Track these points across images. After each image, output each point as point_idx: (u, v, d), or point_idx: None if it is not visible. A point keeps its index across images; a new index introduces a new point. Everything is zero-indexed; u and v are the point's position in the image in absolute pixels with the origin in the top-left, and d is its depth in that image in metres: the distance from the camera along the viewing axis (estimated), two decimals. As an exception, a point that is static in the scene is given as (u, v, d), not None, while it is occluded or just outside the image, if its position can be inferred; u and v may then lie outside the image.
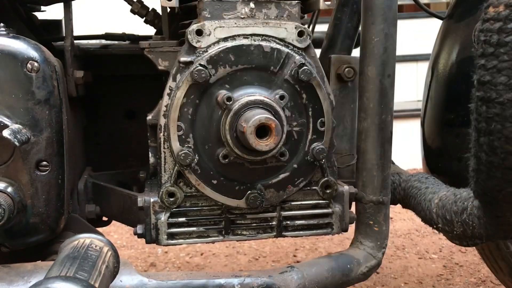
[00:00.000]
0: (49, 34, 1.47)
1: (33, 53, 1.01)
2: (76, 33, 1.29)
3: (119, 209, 1.25)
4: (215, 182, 1.08)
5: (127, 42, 1.48)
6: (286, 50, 1.07)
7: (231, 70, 1.05)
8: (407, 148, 2.81)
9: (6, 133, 0.94)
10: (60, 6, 1.23)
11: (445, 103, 1.42)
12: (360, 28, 1.19)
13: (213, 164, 1.07)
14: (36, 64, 1.01)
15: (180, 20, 1.18)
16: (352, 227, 1.24)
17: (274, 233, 1.16)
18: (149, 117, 1.11)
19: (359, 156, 1.20)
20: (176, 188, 1.09)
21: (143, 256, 2.53)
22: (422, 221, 1.22)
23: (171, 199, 1.09)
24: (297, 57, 1.07)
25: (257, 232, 1.16)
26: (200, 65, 1.03)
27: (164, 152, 1.08)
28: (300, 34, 1.08)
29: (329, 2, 1.13)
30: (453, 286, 2.14)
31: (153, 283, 1.04)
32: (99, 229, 1.24)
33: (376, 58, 1.14)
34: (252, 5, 1.07)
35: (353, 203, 1.23)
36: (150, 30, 1.44)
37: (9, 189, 1.00)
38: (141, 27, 1.53)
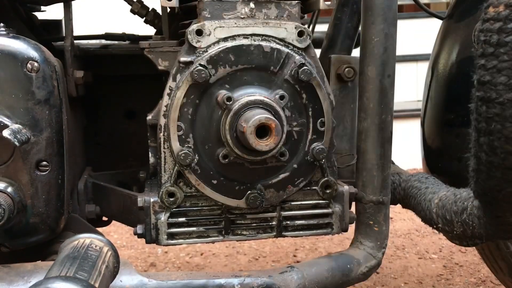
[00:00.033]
0: (49, 34, 1.47)
1: (33, 53, 1.01)
2: (76, 33, 1.29)
3: (119, 209, 1.25)
4: (215, 182, 1.08)
5: (127, 42, 1.48)
6: (286, 50, 1.07)
7: (231, 70, 1.05)
8: (407, 148, 2.81)
9: (6, 133, 0.94)
10: (60, 6, 1.23)
11: (445, 103, 1.42)
12: (360, 28, 1.19)
13: (213, 164, 1.07)
14: (36, 64, 1.01)
15: (180, 20, 1.18)
16: (352, 227, 1.24)
17: (274, 233, 1.16)
18: (149, 117, 1.11)
19: (359, 156, 1.20)
20: (176, 188, 1.09)
21: (143, 256, 2.53)
22: (422, 221, 1.22)
23: (171, 199, 1.09)
24: (297, 57, 1.07)
25: (257, 232, 1.16)
26: (200, 65, 1.03)
27: (164, 152, 1.08)
28: (300, 34, 1.08)
29: (329, 2, 1.13)
30: (453, 286, 2.14)
31: (153, 283, 1.04)
32: (99, 229, 1.24)
33: (376, 58, 1.14)
34: (252, 5, 1.07)
35: (353, 203, 1.23)
36: (150, 30, 1.44)
37: (9, 189, 1.01)
38: (141, 27, 1.53)
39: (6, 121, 0.99)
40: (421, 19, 4.31)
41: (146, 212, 1.10)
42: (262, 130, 0.99)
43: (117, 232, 2.84)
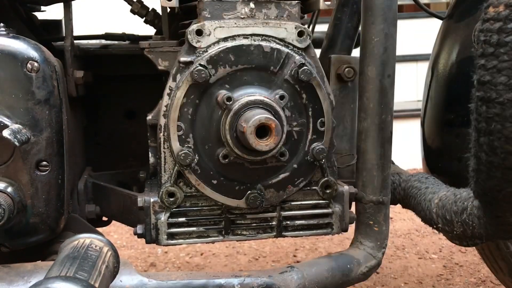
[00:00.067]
0: (49, 34, 1.47)
1: (33, 53, 1.01)
2: (76, 33, 1.29)
3: (119, 209, 1.25)
4: (215, 182, 1.08)
5: (127, 42, 1.48)
6: (286, 50, 1.07)
7: (231, 70, 1.05)
8: (407, 148, 2.81)
9: (6, 133, 0.94)
10: (60, 6, 1.23)
11: (445, 103, 1.42)
12: (360, 28, 1.19)
13: (213, 164, 1.07)
14: (36, 64, 1.01)
15: (180, 20, 1.18)
16: (352, 227, 1.24)
17: (274, 233, 1.16)
18: (149, 117, 1.11)
19: (359, 156, 1.20)
20: (176, 188, 1.09)
21: (143, 256, 2.53)
22: (422, 221, 1.22)
23: (171, 199, 1.09)
24: (297, 57, 1.07)
25: (257, 232, 1.16)
26: (200, 65, 1.03)
27: (164, 152, 1.08)
28: (300, 34, 1.08)
29: (329, 2, 1.13)
30: (453, 286, 2.14)
31: (153, 283, 1.04)
32: (99, 229, 1.24)
33: (376, 58, 1.14)
34: (252, 5, 1.07)
35: (353, 203, 1.23)
36: (150, 30, 1.44)
37: (9, 189, 1.00)
38: (141, 27, 1.53)
39: (6, 121, 0.99)
40: (421, 19, 4.30)
41: (146, 212, 1.10)
42: (262, 130, 0.99)
43: (117, 232, 2.84)
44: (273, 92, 1.06)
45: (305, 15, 1.22)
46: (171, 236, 1.11)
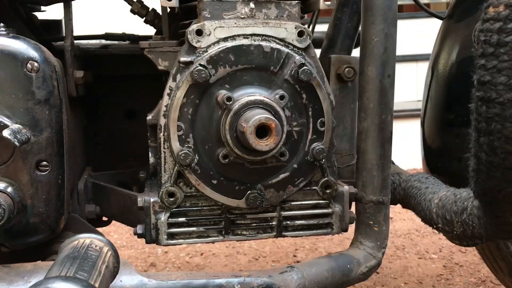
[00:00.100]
0: (49, 34, 1.47)
1: (33, 53, 1.01)
2: (76, 33, 1.29)
3: (119, 209, 1.25)
4: (215, 182, 1.08)
5: (127, 42, 1.48)
6: (286, 50, 1.07)
7: (231, 70, 1.05)
8: (407, 148, 2.81)
9: (6, 133, 0.94)
10: (60, 6, 1.23)
11: (445, 103, 1.42)
12: (360, 28, 1.19)
13: (213, 164, 1.07)
14: (36, 64, 1.01)
15: (180, 20, 1.18)
16: (352, 227, 1.24)
17: (274, 233, 1.16)
18: (149, 117, 1.11)
19: (359, 156, 1.20)
20: (176, 188, 1.09)
21: (143, 256, 2.53)
22: (422, 221, 1.22)
23: (171, 199, 1.09)
24: (297, 57, 1.07)
25: (257, 232, 1.16)
26: (200, 65, 1.03)
27: (164, 152, 1.08)
28: (300, 34, 1.08)
29: (329, 2, 1.13)
30: (453, 286, 2.14)
31: (153, 283, 1.04)
32: (99, 229, 1.24)
33: (376, 58, 1.14)
34: (252, 5, 1.07)
35: (353, 203, 1.23)
36: (150, 30, 1.44)
37: (9, 189, 1.00)
38: (141, 27, 1.53)
39: (6, 121, 0.99)
40: (421, 19, 4.31)
41: (146, 212, 1.10)
42: (262, 130, 0.99)
43: (117, 232, 2.84)
44: (273, 92, 1.06)
45: (305, 15, 1.22)
46: (171, 236, 1.11)
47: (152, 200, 1.10)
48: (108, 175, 1.39)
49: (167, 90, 1.06)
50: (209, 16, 1.06)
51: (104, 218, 1.38)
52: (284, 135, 1.02)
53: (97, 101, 1.47)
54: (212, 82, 1.04)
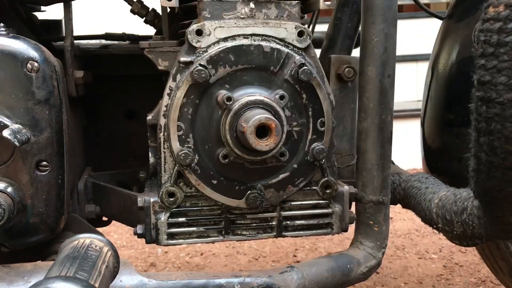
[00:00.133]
0: (49, 34, 1.47)
1: (33, 53, 1.01)
2: (76, 33, 1.29)
3: (119, 209, 1.25)
4: (215, 182, 1.08)
5: (127, 42, 1.48)
6: (286, 50, 1.07)
7: (231, 70, 1.05)
8: (407, 148, 2.81)
9: (6, 133, 0.94)
10: (60, 6, 1.23)
11: (445, 103, 1.42)
12: (360, 28, 1.19)
13: (213, 164, 1.07)
14: (36, 64, 1.01)
15: (180, 20, 1.18)
16: (352, 227, 1.24)
17: (274, 233, 1.16)
18: (149, 117, 1.11)
19: (359, 156, 1.20)
20: (176, 188, 1.09)
21: (143, 256, 2.53)
22: (422, 221, 1.22)
23: (171, 199, 1.09)
24: (297, 57, 1.07)
25: (257, 232, 1.16)
26: (200, 65, 1.03)
27: (164, 152, 1.08)
28: (300, 34, 1.08)
29: (329, 2, 1.13)
30: (453, 286, 2.14)
31: (153, 283, 1.04)
32: (99, 229, 1.24)
33: (376, 58, 1.14)
34: (252, 5, 1.07)
35: (353, 203, 1.23)
36: (150, 30, 1.44)
37: (9, 189, 1.00)
38: (141, 27, 1.53)
39: (6, 121, 0.99)
40: (421, 19, 4.31)
41: (146, 212, 1.10)
42: (262, 130, 0.99)
43: (117, 232, 2.84)
44: (273, 92, 1.06)
45: (305, 15, 1.22)
46: (171, 236, 1.11)
47: (152, 200, 1.10)
48: (108, 175, 1.39)
49: (167, 90, 1.06)
50: (209, 16, 1.06)
51: (104, 218, 1.38)
52: (284, 135, 1.02)
53: (97, 101, 1.47)
54: (212, 82, 1.04)
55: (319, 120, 1.10)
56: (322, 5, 1.13)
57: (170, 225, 1.10)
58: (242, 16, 1.07)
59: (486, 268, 1.90)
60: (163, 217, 1.10)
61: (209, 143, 1.06)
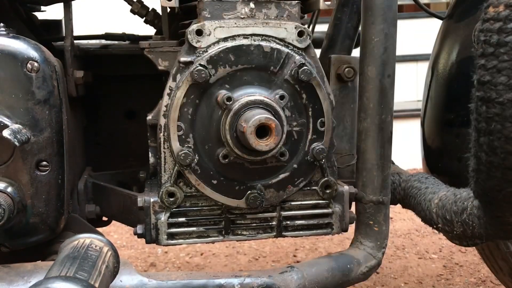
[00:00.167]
0: (49, 34, 1.47)
1: (33, 53, 1.01)
2: (76, 33, 1.29)
3: (119, 209, 1.25)
4: (215, 182, 1.08)
5: (127, 42, 1.48)
6: (286, 50, 1.07)
7: (231, 70, 1.05)
8: (407, 148, 2.81)
9: (6, 133, 0.94)
10: (60, 6, 1.23)
11: (445, 103, 1.42)
12: (360, 28, 1.19)
13: (213, 164, 1.07)
14: (36, 64, 1.01)
15: (180, 20, 1.18)
16: (352, 227, 1.24)
17: (274, 233, 1.16)
18: (149, 117, 1.11)
19: (359, 156, 1.20)
20: (176, 188, 1.09)
21: (143, 256, 2.53)
22: (422, 221, 1.22)
23: (171, 199, 1.09)
24: (297, 57, 1.07)
25: (257, 232, 1.16)
26: (200, 65, 1.03)
27: (164, 152, 1.08)
28: (300, 34, 1.08)
29: (329, 2, 1.13)
30: (453, 286, 2.14)
31: (153, 283, 1.04)
32: (99, 229, 1.24)
33: (376, 58, 1.14)
34: (252, 5, 1.07)
35: (353, 203, 1.23)
36: (150, 30, 1.44)
37: (9, 189, 1.00)
38: (141, 27, 1.53)
39: (6, 121, 0.99)
40: (421, 19, 4.31)
41: (146, 212, 1.10)
42: (262, 130, 0.99)
43: (117, 232, 2.84)
44: (273, 92, 1.06)
45: (305, 15, 1.22)
46: (171, 236, 1.11)
47: (152, 200, 1.10)
48: (108, 175, 1.39)
49: (167, 90, 1.06)
50: (209, 16, 1.06)
51: (104, 218, 1.38)
52: (284, 135, 1.02)
53: (97, 101, 1.47)
54: (212, 82, 1.04)
55: (319, 120, 1.10)
56: (322, 5, 1.13)
57: (170, 225, 1.10)
58: (242, 16, 1.07)
59: (486, 268, 1.90)
60: (163, 217, 1.10)
61: (209, 143, 1.06)
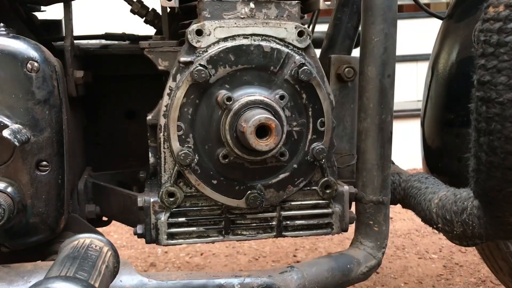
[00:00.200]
0: (49, 34, 1.47)
1: (33, 53, 1.01)
2: (76, 33, 1.29)
3: (119, 209, 1.25)
4: (215, 182, 1.08)
5: (127, 42, 1.48)
6: (286, 50, 1.07)
7: (231, 70, 1.05)
8: (407, 148, 2.81)
9: (6, 133, 0.94)
10: (60, 6, 1.23)
11: (445, 103, 1.42)
12: (360, 28, 1.19)
13: (213, 164, 1.07)
14: (36, 64, 1.01)
15: (180, 20, 1.18)
16: (352, 227, 1.24)
17: (274, 233, 1.16)
18: (149, 117, 1.11)
19: (359, 156, 1.20)
20: (176, 188, 1.09)
21: (143, 256, 2.53)
22: (422, 221, 1.22)
23: (171, 199, 1.09)
24: (297, 57, 1.07)
25: (257, 232, 1.16)
26: (200, 65, 1.03)
27: (164, 152, 1.08)
28: (300, 34, 1.08)
29: (329, 2, 1.13)
30: (453, 286, 2.14)
31: (153, 283, 1.04)
32: (99, 229, 1.24)
33: (376, 58, 1.14)
34: (252, 5, 1.07)
35: (353, 203, 1.23)
36: (150, 30, 1.44)
37: (9, 189, 1.00)
38: (141, 27, 1.53)
39: (6, 121, 0.99)
40: (421, 19, 4.31)
41: (146, 212, 1.10)
42: (262, 130, 0.99)
43: (117, 232, 2.84)
44: (273, 92, 1.06)
45: (305, 15, 1.22)
46: (171, 236, 1.11)
47: (152, 200, 1.10)
48: (108, 175, 1.39)
49: (167, 90, 1.06)
50: (209, 16, 1.06)
51: (104, 218, 1.38)
52: (284, 135, 1.02)
53: (97, 101, 1.47)
54: (212, 82, 1.04)
55: (319, 120, 1.10)
56: (322, 5, 1.13)
57: (170, 225, 1.10)
58: (242, 16, 1.07)
59: (486, 268, 1.90)
60: (163, 217, 1.10)
61: (209, 143, 1.06)
